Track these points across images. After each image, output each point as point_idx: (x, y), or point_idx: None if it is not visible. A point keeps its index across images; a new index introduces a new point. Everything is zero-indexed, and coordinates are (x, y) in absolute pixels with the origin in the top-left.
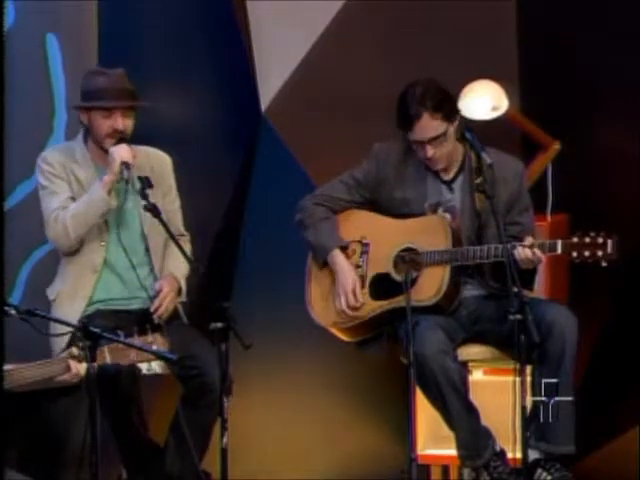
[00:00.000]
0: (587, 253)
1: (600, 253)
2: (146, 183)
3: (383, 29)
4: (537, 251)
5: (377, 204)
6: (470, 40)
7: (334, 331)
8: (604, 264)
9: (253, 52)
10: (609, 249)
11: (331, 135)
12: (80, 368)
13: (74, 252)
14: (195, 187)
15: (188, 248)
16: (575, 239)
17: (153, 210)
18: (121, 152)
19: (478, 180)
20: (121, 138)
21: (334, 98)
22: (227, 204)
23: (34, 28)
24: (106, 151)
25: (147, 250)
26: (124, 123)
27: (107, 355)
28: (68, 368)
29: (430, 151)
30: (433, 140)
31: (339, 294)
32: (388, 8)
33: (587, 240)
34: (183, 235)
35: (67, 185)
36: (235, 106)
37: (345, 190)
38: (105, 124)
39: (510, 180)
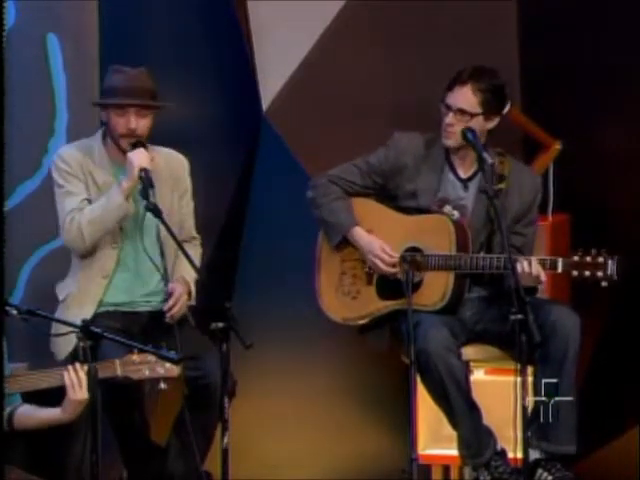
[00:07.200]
0: (587, 273)
1: (600, 274)
2: (147, 182)
3: (383, 29)
4: (535, 265)
5: (388, 191)
6: (470, 40)
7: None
8: (604, 284)
9: (254, 52)
10: (609, 270)
11: (331, 135)
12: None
13: (87, 254)
14: (196, 187)
15: (199, 251)
16: (576, 258)
17: (153, 210)
18: (139, 158)
19: (501, 185)
20: (138, 142)
21: (334, 98)
22: (228, 204)
23: (34, 28)
24: (124, 151)
25: (162, 255)
26: (138, 123)
27: (118, 368)
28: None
29: (451, 119)
30: (459, 112)
31: (374, 262)
32: (388, 8)
33: (588, 259)
34: (194, 238)
35: (84, 186)
36: (236, 106)
37: (358, 174)
38: (119, 123)
39: (526, 193)
